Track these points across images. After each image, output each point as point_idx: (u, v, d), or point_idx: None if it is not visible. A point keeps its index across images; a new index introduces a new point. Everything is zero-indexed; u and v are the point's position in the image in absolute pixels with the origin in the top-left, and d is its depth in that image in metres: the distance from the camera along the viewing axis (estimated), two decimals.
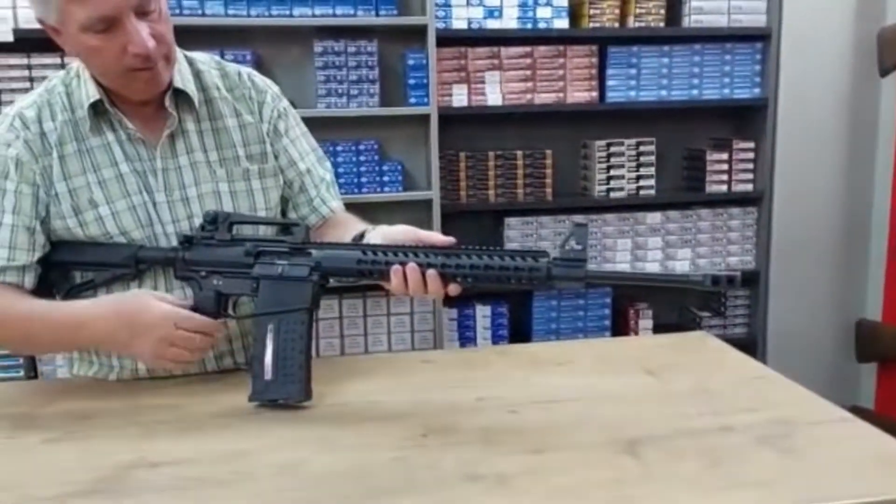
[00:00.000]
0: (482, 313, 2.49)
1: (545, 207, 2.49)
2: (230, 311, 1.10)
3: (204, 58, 1.21)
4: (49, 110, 1.11)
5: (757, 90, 2.56)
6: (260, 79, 1.25)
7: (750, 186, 2.62)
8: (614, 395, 1.09)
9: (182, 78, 1.14)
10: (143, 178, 1.13)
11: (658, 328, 2.66)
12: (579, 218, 2.52)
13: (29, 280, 1.10)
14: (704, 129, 2.72)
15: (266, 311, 1.04)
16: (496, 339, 2.52)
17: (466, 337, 2.51)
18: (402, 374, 1.20)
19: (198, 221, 1.12)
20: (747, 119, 2.65)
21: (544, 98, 2.44)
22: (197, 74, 1.18)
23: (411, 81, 2.28)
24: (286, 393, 1.02)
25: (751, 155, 2.61)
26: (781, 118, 2.55)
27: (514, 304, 2.55)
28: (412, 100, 2.29)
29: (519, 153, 2.46)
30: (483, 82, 2.39)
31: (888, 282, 2.57)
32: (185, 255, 1.09)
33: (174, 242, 1.13)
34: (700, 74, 2.52)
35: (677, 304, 2.85)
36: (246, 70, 1.24)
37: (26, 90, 2.18)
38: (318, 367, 1.07)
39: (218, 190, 1.16)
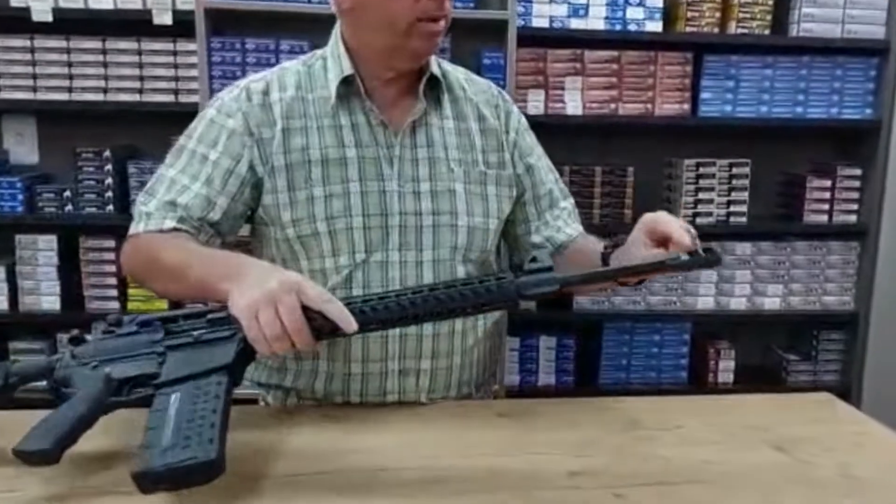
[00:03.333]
0: (546, 345, 2.31)
1: (623, 231, 2.27)
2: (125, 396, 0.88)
3: (448, 64, 1.22)
4: (279, 83, 1.11)
5: (869, 111, 2.33)
6: (504, 92, 1.24)
7: (853, 218, 2.40)
8: (741, 478, 0.90)
9: (436, 68, 1.13)
10: (376, 164, 1.09)
11: (740, 371, 2.45)
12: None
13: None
14: (804, 152, 2.51)
15: (171, 379, 0.83)
16: (560, 375, 2.35)
17: (527, 369, 2.34)
18: (468, 429, 1.02)
19: (426, 219, 1.09)
20: (854, 142, 2.43)
21: (629, 109, 2.26)
22: (444, 74, 1.16)
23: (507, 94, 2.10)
24: (191, 454, 0.75)
25: (856, 183, 2.39)
26: (894, 143, 2.31)
27: (582, 337, 2.36)
28: None
29: (597, 169, 2.29)
30: (562, 88, 2.23)
31: None
32: (73, 351, 0.90)
33: (387, 237, 1.08)
34: (806, 90, 2.31)
35: (761, 345, 2.62)
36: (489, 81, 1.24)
37: (66, 75, 2.17)
38: (360, 414, 0.94)
39: (454, 189, 1.11)
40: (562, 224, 1.22)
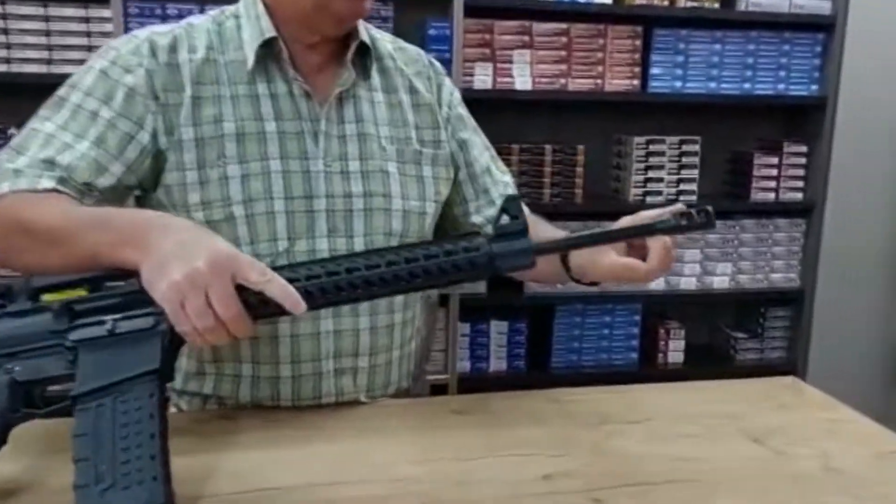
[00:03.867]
0: (497, 330, 2.24)
1: (574, 211, 2.24)
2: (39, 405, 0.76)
3: (375, 30, 1.10)
4: (188, 43, 0.98)
5: (815, 87, 2.33)
6: (436, 61, 1.14)
7: (799, 195, 2.40)
8: (722, 475, 0.85)
9: (365, 35, 1.02)
10: (300, 140, 0.97)
11: (689, 350, 2.45)
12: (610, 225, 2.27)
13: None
14: (752, 129, 2.50)
15: (89, 390, 0.70)
16: (511, 360, 2.29)
17: (478, 356, 2.27)
18: (424, 431, 0.93)
19: (357, 202, 0.98)
20: (800, 119, 2.42)
21: (579, 84, 2.20)
22: (373, 40, 1.05)
23: (432, 55, 1.99)
24: (133, 499, 0.66)
25: (802, 160, 2.39)
26: (839, 120, 2.32)
27: (533, 321, 2.30)
28: None
29: (547, 147, 2.21)
30: (510, 62, 2.14)
31: None
32: None
33: (313, 222, 0.96)
34: (754, 66, 2.29)
35: (709, 324, 2.63)
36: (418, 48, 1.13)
37: (84, 47, 1.95)
38: (302, 419, 0.87)
39: (386, 169, 1.01)
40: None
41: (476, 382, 2.26)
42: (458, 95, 1.14)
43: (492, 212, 1.12)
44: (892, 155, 2.51)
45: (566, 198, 2.24)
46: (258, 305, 0.72)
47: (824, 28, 2.28)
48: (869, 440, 0.96)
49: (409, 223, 1.03)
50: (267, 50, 0.97)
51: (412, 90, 1.07)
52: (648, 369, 2.40)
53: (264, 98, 0.97)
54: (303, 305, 0.72)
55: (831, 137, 2.31)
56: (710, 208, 0.73)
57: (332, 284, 0.74)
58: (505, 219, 0.77)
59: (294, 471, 0.81)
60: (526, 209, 1.14)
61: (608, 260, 0.89)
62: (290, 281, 0.73)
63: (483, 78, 2.11)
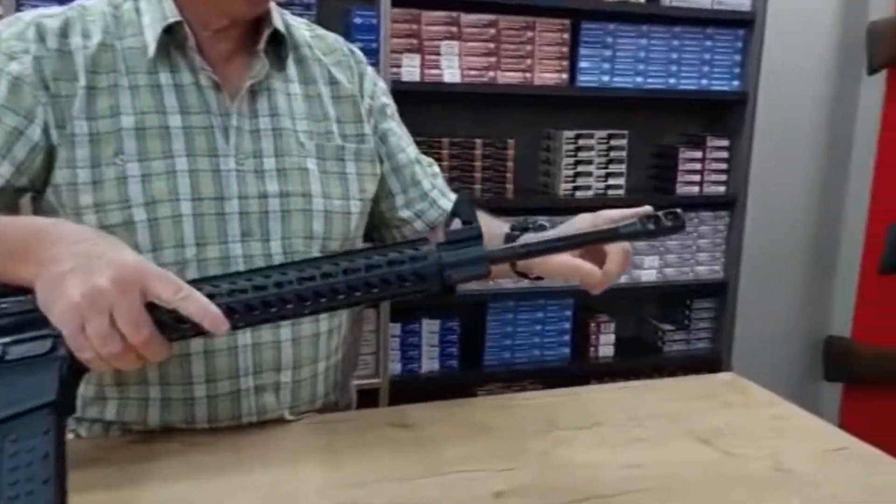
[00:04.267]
0: (429, 329, 2.19)
1: (505, 206, 2.20)
2: None
3: (290, 16, 1.02)
4: (82, 27, 0.88)
5: (736, 82, 2.37)
6: (356, 49, 1.06)
7: (722, 189, 2.45)
8: (675, 481, 0.82)
9: (279, 23, 0.94)
10: (208, 135, 0.89)
11: (619, 343, 2.47)
12: (541, 220, 2.25)
13: None
14: (676, 124, 2.53)
15: None
16: (444, 360, 2.24)
17: (409, 357, 2.21)
18: (362, 449, 0.87)
19: (273, 203, 0.90)
20: (723, 114, 2.47)
21: (508, 77, 2.16)
22: (288, 28, 0.98)
23: (357, 45, 1.90)
24: None
25: (725, 154, 2.43)
26: (759, 115, 2.38)
27: (465, 317, 2.26)
28: None
29: (478, 141, 2.17)
30: (438, 54, 2.08)
31: (861, 297, 2.47)
32: None
33: (224, 225, 0.88)
34: (678, 61, 2.31)
35: (637, 317, 2.65)
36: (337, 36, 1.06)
37: None
38: (222, 441, 0.81)
39: (305, 166, 0.94)
40: (436, 195, 1.08)
41: (409, 384, 2.20)
42: (382, 86, 1.08)
43: (423, 205, 1.07)
44: (810, 149, 2.60)
45: (497, 193, 2.21)
46: (173, 325, 0.64)
47: (745, 24, 2.32)
48: (815, 437, 0.97)
49: (331, 224, 0.96)
50: (170, 36, 0.88)
51: (332, 81, 1.00)
52: (580, 363, 2.40)
53: (168, 89, 0.88)
54: (225, 324, 0.64)
55: (752, 132, 2.36)
56: (678, 210, 0.68)
57: (260, 300, 0.66)
58: (456, 223, 0.69)
59: (220, 502, 0.73)
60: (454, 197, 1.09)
61: (558, 258, 0.84)
62: (211, 296, 0.65)
63: (410, 70, 2.05)
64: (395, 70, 2.03)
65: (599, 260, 0.84)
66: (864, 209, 2.44)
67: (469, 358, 2.29)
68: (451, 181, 2.13)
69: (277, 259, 0.91)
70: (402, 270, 0.67)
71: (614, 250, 0.82)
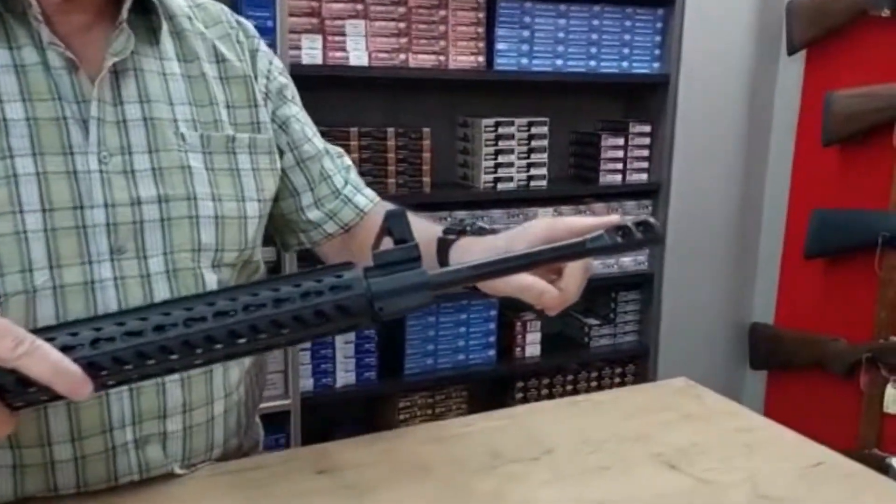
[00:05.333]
0: (343, 339, 2.04)
1: (422, 202, 2.09)
2: None
3: None
4: None
5: (657, 64, 2.34)
6: (245, 20, 0.92)
7: (645, 176, 2.42)
8: None
9: None
10: (61, 128, 0.73)
11: (545, 340, 2.41)
12: (461, 214, 2.15)
13: None
14: (595, 109, 2.48)
15: None
16: (361, 372, 2.10)
17: (322, 371, 2.06)
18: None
19: (149, 210, 0.76)
20: (644, 98, 2.43)
21: (421, 60, 2.04)
22: None
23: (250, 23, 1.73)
24: None
25: (647, 140, 2.40)
26: (681, 99, 2.35)
27: (382, 324, 2.12)
28: None
29: (390, 131, 2.03)
30: (343, 34, 1.94)
31: (783, 283, 2.50)
32: None
33: (87, 242, 0.73)
34: (598, 43, 2.25)
35: (561, 312, 2.56)
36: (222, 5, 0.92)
37: None
38: None
39: (188, 164, 0.80)
40: (350, 192, 0.96)
41: (322, 401, 2.05)
42: (278, 64, 0.94)
43: (336, 204, 0.95)
44: (731, 133, 2.60)
45: (413, 187, 2.09)
46: (15, 390, 0.50)
47: (664, 2, 2.29)
48: (788, 453, 0.90)
49: (224, 233, 0.82)
50: (5, 5, 0.72)
51: (219, 58, 0.86)
52: (507, 365, 2.33)
53: (5, 71, 0.72)
54: (85, 386, 0.52)
55: (674, 116, 2.33)
56: (651, 219, 0.60)
57: (133, 351, 0.53)
58: (387, 242, 0.58)
59: None
60: (375, 195, 0.99)
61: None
62: (67, 349, 0.52)
63: (312, 52, 1.90)
64: (293, 52, 1.87)
65: (554, 272, 0.72)
66: (784, 194, 2.46)
67: (388, 368, 2.17)
68: (362, 175, 2.00)
69: (160, 280, 0.77)
70: (320, 304, 0.55)
71: (573, 267, 0.71)
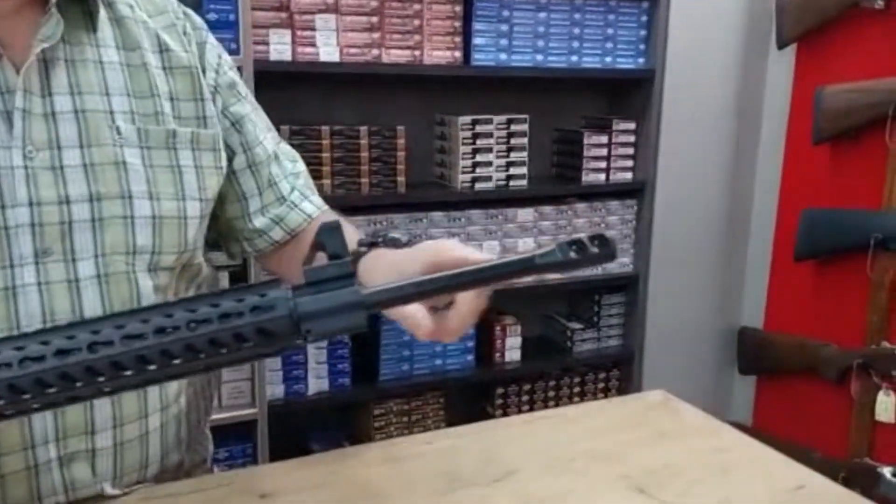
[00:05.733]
0: (315, 345, 1.97)
1: (397, 202, 2.03)
2: None
3: None
4: None
5: (641, 59, 2.28)
6: (192, 11, 0.89)
7: (629, 175, 2.36)
8: None
9: None
10: None
11: (526, 345, 2.34)
12: (438, 216, 2.09)
13: None
14: (577, 106, 2.43)
15: None
16: (334, 378, 2.04)
17: (294, 377, 1.99)
18: None
19: (80, 210, 0.73)
20: (628, 94, 2.38)
21: (395, 56, 1.98)
22: None
23: (210, 17, 1.68)
24: None
25: (631, 138, 2.34)
26: (666, 95, 2.30)
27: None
28: None
29: (363, 129, 1.97)
30: (313, 28, 1.87)
31: (773, 286, 2.45)
32: None
33: (8, 244, 0.71)
34: (580, 37, 2.19)
35: (543, 316, 2.54)
36: None
37: None
38: None
39: (123, 159, 0.76)
40: (297, 198, 0.93)
41: (293, 409, 1.99)
42: (227, 59, 0.91)
43: (281, 210, 0.91)
44: (719, 130, 2.54)
45: (387, 188, 2.02)
46: None
47: None
48: (765, 474, 0.85)
49: (162, 235, 0.79)
50: None
51: (162, 48, 0.82)
52: (486, 371, 2.27)
53: None
54: None
55: (660, 113, 2.28)
56: (607, 234, 0.55)
57: (31, 379, 0.49)
58: (321, 258, 0.54)
59: None
60: (321, 202, 0.95)
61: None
62: None
63: (280, 47, 1.83)
64: (260, 48, 1.81)
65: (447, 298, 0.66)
66: (774, 193, 2.41)
67: (363, 374, 2.11)
68: (334, 176, 1.95)
69: (89, 286, 0.74)
70: (239, 327, 0.51)
71: (463, 295, 0.65)
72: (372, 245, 0.73)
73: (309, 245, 0.87)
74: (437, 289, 0.57)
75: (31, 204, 0.71)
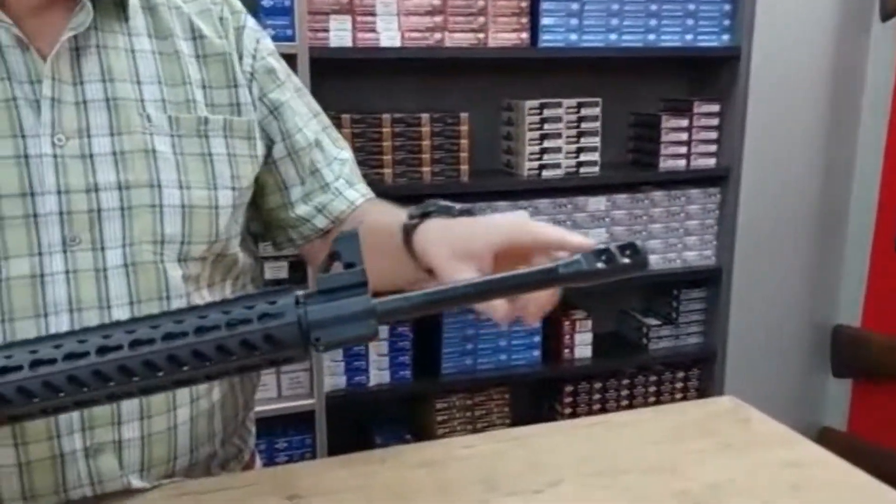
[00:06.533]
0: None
1: (459, 191, 2.00)
2: None
3: None
4: None
5: (726, 37, 2.17)
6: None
7: (712, 161, 2.26)
8: None
9: None
10: (10, 110, 0.72)
11: (597, 341, 2.27)
12: (503, 205, 2.04)
13: None
14: (656, 88, 2.33)
15: None
16: (396, 370, 2.04)
17: (355, 368, 2.00)
18: None
19: (108, 198, 0.74)
20: (710, 75, 2.27)
21: (458, 39, 1.94)
22: None
23: (266, 3, 1.69)
24: None
25: (714, 121, 2.24)
26: (753, 74, 2.18)
27: (418, 321, 2.05)
28: (268, 31, 1.67)
29: (424, 117, 1.95)
30: (373, 13, 1.86)
31: (872, 280, 2.29)
32: None
33: (37, 232, 0.72)
34: (658, 14, 2.10)
35: (617, 311, 2.46)
36: None
37: None
38: None
39: (152, 147, 0.77)
40: (342, 185, 0.92)
41: (354, 400, 2.00)
42: (268, 44, 0.90)
43: (325, 197, 0.90)
44: (813, 112, 2.40)
45: (450, 176, 1.99)
46: None
47: None
48: (847, 498, 0.75)
49: (191, 224, 0.79)
50: None
51: (195, 35, 0.83)
52: (554, 367, 2.22)
53: None
54: None
55: (746, 94, 2.16)
56: (638, 243, 0.54)
57: (40, 382, 0.52)
58: (337, 267, 0.55)
59: None
60: (367, 190, 0.94)
61: (465, 269, 0.66)
62: None
63: (340, 33, 1.83)
64: (320, 35, 1.82)
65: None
66: (875, 179, 2.25)
67: (425, 367, 2.09)
68: (395, 165, 1.93)
69: (117, 275, 0.75)
70: (247, 334, 0.53)
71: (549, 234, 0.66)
72: (424, 216, 0.73)
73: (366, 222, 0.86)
74: (445, 300, 0.58)
75: (59, 192, 0.73)
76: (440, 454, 0.85)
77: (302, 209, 0.89)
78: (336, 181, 0.91)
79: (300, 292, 0.55)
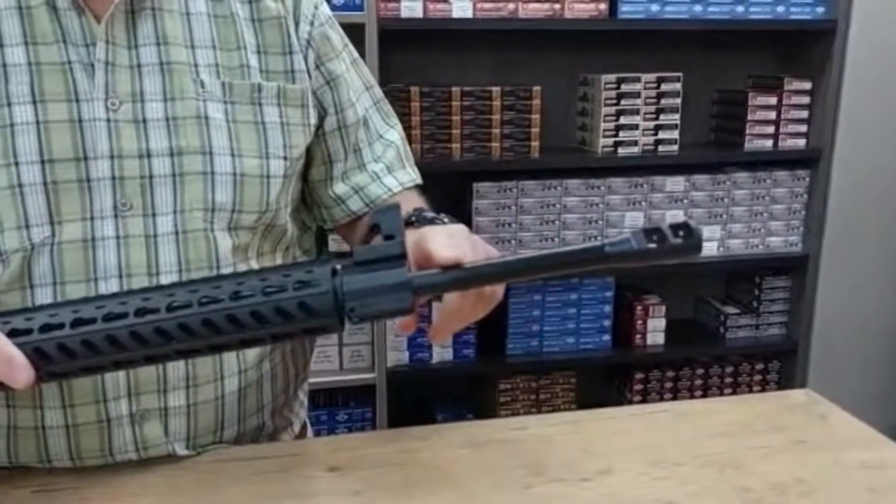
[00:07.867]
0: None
1: (529, 168, 1.97)
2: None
3: None
4: None
5: (821, 9, 2.05)
6: None
7: (802, 142, 2.15)
8: None
9: None
10: (66, 73, 0.73)
11: (671, 327, 2.20)
12: (575, 183, 1.99)
13: None
14: (743, 63, 2.23)
15: None
16: (459, 348, 2.02)
17: (418, 345, 2.00)
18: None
19: (160, 164, 0.75)
20: (803, 49, 2.15)
21: (532, 10, 1.90)
22: None
23: None
24: None
25: (806, 100, 2.12)
26: (850, 49, 2.06)
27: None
28: (336, 2, 1.69)
29: (495, 90, 1.92)
30: None
31: None
32: None
33: (90, 197, 0.73)
34: None
35: (694, 297, 2.38)
36: None
37: None
38: (88, 489, 0.69)
39: (205, 114, 0.77)
40: (382, 169, 0.90)
41: (416, 377, 2.00)
42: (326, 10, 0.88)
43: (362, 178, 0.89)
44: None
45: (520, 153, 1.96)
46: None
47: None
48: None
49: (243, 192, 0.78)
50: None
51: None
52: (624, 353, 2.17)
53: (8, 14, 0.72)
54: (24, 374, 0.56)
55: (841, 71, 2.06)
56: (691, 222, 0.53)
57: (80, 340, 0.56)
58: (378, 239, 0.57)
59: None
60: (413, 175, 0.92)
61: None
62: (15, 334, 0.56)
63: (411, 4, 1.82)
64: (392, 5, 1.80)
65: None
66: None
67: (489, 347, 2.07)
68: (464, 139, 1.91)
69: (167, 242, 0.75)
70: (281, 302, 0.55)
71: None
72: (408, 224, 0.72)
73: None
74: (489, 275, 0.58)
75: (112, 157, 0.73)
76: (488, 435, 0.82)
77: (340, 187, 0.88)
78: (375, 163, 0.89)
79: (338, 263, 0.56)
